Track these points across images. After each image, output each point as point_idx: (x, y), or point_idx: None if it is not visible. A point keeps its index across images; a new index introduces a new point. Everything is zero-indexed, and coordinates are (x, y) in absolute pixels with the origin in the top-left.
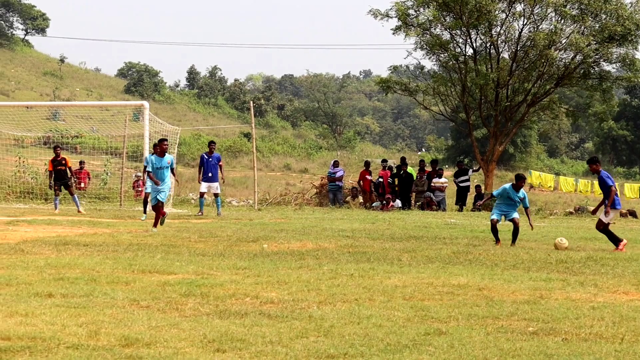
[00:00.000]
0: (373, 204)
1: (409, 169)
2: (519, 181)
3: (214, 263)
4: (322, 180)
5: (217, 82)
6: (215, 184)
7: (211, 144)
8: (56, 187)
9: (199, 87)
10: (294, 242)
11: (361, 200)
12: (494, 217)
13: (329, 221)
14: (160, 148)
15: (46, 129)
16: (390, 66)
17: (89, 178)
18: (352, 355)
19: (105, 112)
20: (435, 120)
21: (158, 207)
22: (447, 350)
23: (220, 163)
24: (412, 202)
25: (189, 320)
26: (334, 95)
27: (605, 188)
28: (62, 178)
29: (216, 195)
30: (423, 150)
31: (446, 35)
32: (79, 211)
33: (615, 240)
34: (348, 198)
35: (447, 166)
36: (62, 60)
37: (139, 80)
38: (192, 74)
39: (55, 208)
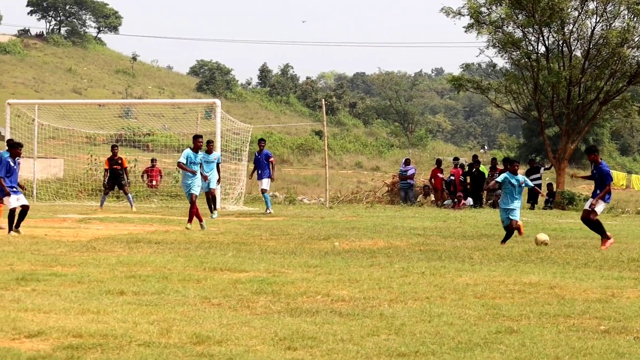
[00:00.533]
0: (444, 202)
1: (481, 167)
2: (511, 166)
3: (285, 261)
4: (393, 178)
5: (288, 80)
6: (265, 180)
7: (261, 141)
8: (108, 186)
9: (271, 85)
10: (366, 240)
11: (432, 199)
12: (505, 222)
13: (400, 219)
14: (194, 145)
15: (118, 127)
16: (462, 64)
17: (161, 176)
18: (423, 354)
19: (177, 110)
20: (507, 119)
21: (193, 203)
22: (519, 348)
23: (271, 159)
24: (484, 200)
25: (260, 318)
26: (405, 93)
27: (604, 181)
28: (116, 177)
29: (263, 191)
30: (485, 148)
31: (518, 33)
32: (131, 209)
33: (604, 233)
34: (420, 196)
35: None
36: (134, 58)
37: (211, 78)
38: (264, 72)
39: (101, 205)
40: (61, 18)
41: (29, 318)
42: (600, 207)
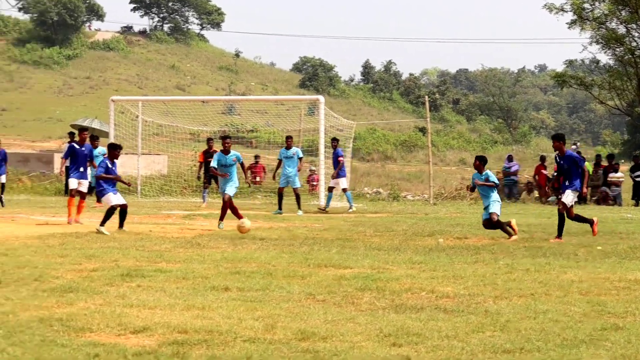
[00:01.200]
0: (549, 199)
1: (586, 164)
2: (475, 162)
3: (389, 257)
4: (497, 174)
5: (391, 77)
6: (342, 180)
7: (333, 141)
8: (205, 180)
9: (374, 81)
10: (470, 237)
11: (536, 195)
12: (484, 217)
13: (504, 216)
14: (223, 146)
15: (222, 123)
16: (566, 60)
17: (264, 172)
18: (528, 350)
19: (280, 106)
20: (611, 115)
21: (225, 203)
22: (624, 345)
23: (340, 158)
24: (588, 196)
25: (365, 314)
26: (508, 90)
27: (577, 169)
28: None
29: (344, 190)
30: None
31: (622, 29)
32: (202, 205)
33: (587, 220)
34: (523, 193)
35: (622, 161)
36: (237, 55)
37: (314, 75)
38: (366, 69)
39: (203, 201)
40: (164, 15)
41: (134, 314)
42: (570, 197)
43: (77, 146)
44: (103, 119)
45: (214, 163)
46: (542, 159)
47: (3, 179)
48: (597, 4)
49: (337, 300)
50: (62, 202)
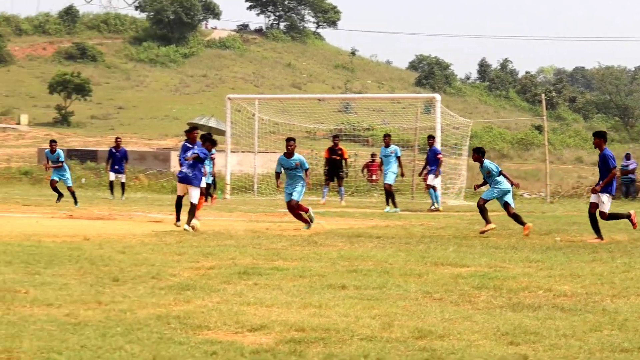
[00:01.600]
0: None
1: None
2: (474, 155)
3: (506, 256)
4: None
5: (508, 75)
6: (431, 176)
7: (429, 138)
8: (327, 177)
9: (490, 79)
10: (587, 235)
11: None
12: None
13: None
14: (287, 149)
15: (338, 122)
16: None
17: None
18: None
19: (396, 104)
20: None
21: (291, 206)
22: None
23: (440, 155)
24: None
25: (482, 312)
26: (625, 88)
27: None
28: (335, 168)
29: (428, 187)
30: None
31: None
32: (340, 202)
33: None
34: None
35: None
36: (353, 53)
37: (430, 73)
38: (482, 67)
39: (323, 198)
40: (280, 13)
41: (251, 312)
42: (605, 200)
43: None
44: (219, 117)
45: (277, 168)
46: None
47: (123, 178)
48: None
49: (454, 299)
50: None
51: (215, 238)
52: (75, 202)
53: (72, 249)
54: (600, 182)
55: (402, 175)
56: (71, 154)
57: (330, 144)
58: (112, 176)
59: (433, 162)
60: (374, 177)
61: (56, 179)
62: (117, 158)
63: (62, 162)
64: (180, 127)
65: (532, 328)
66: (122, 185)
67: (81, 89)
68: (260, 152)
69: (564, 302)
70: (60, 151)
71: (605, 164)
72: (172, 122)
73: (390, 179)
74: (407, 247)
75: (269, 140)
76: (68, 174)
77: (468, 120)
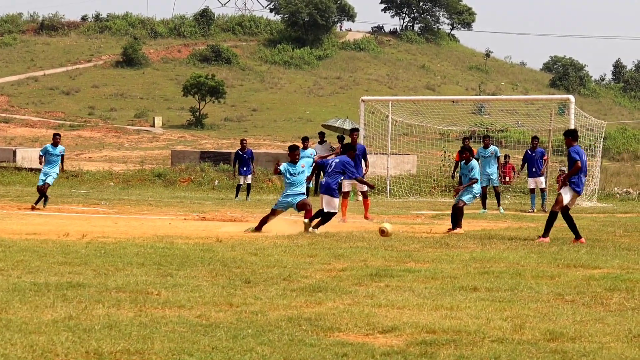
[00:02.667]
0: None
1: None
2: (462, 153)
3: (639, 258)
4: None
5: None
6: (540, 179)
7: (534, 139)
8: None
9: (625, 80)
10: None
11: None
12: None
13: None
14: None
15: (471, 123)
16: None
17: (514, 172)
18: None
19: (530, 106)
20: None
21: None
22: None
23: (546, 157)
24: None
25: (614, 314)
26: None
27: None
28: None
29: (533, 190)
30: None
31: None
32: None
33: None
34: None
35: None
36: (487, 55)
37: (564, 74)
38: (617, 68)
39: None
40: (415, 15)
41: (382, 314)
42: (567, 195)
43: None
44: (353, 118)
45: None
46: None
47: (249, 179)
48: None
49: (585, 301)
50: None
51: (347, 240)
52: (44, 202)
53: (204, 250)
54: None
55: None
56: (205, 156)
57: (460, 146)
58: (241, 179)
59: (540, 163)
60: (507, 179)
61: (48, 182)
62: (245, 160)
63: (62, 157)
64: (314, 129)
65: None
66: (248, 186)
67: (215, 91)
68: (393, 154)
69: None
70: (62, 147)
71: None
72: (306, 124)
73: (495, 180)
74: (539, 248)
75: (402, 141)
76: (56, 173)
77: (602, 121)
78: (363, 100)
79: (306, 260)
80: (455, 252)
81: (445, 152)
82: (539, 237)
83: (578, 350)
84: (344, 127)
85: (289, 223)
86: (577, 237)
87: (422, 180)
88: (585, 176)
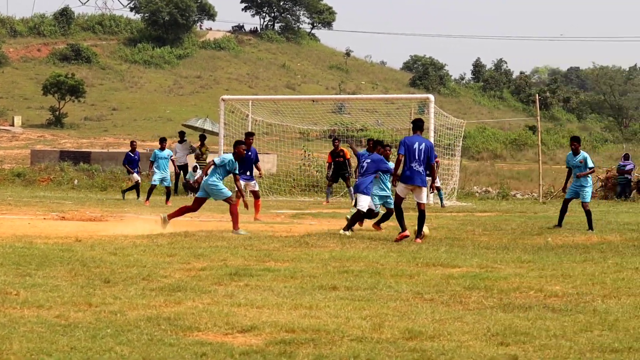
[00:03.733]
0: None
1: None
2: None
3: (497, 256)
4: (607, 173)
5: (502, 75)
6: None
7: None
8: (331, 179)
9: (484, 80)
10: (579, 236)
11: None
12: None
13: (613, 214)
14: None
15: (331, 122)
16: None
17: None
18: (637, 350)
19: (390, 105)
20: None
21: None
22: None
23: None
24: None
25: (473, 313)
26: (620, 88)
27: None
28: (339, 169)
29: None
30: None
31: None
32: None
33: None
34: (634, 192)
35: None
36: (347, 54)
37: (424, 74)
38: (477, 67)
39: (327, 199)
40: (275, 14)
41: (241, 313)
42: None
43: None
44: (213, 118)
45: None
46: None
47: (136, 177)
48: None
49: (444, 299)
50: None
51: (206, 239)
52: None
53: (64, 250)
54: None
55: None
56: (64, 155)
57: (330, 147)
58: (137, 177)
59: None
60: None
61: (167, 184)
62: (135, 161)
63: (171, 159)
64: (174, 128)
65: (523, 328)
66: (137, 186)
67: (75, 91)
68: None
69: (555, 303)
70: (169, 150)
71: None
72: (166, 123)
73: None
74: (399, 247)
75: (262, 141)
76: (168, 175)
77: (461, 120)
78: (223, 100)
79: (166, 259)
80: (315, 251)
81: (305, 152)
82: (400, 234)
83: (437, 349)
84: (204, 126)
85: (147, 222)
86: (403, 229)
87: (282, 179)
88: (416, 163)
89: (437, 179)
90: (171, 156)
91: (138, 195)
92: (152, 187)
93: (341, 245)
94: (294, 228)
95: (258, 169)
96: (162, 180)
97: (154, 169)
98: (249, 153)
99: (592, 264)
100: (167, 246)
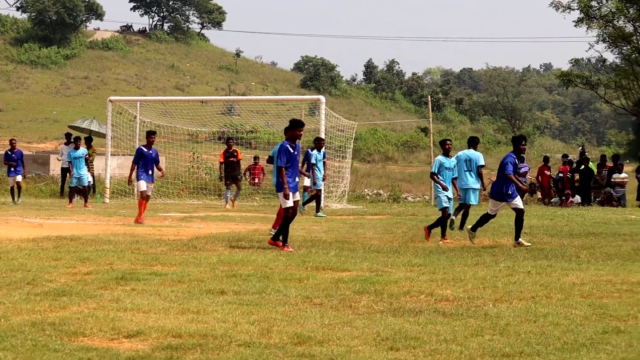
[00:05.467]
0: (552, 200)
1: (590, 164)
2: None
3: (388, 260)
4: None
5: (394, 76)
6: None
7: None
8: (228, 182)
9: (376, 81)
10: (465, 239)
11: (539, 196)
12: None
13: (506, 217)
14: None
15: (221, 124)
16: (572, 59)
17: (263, 173)
18: (528, 354)
19: (280, 106)
20: (617, 114)
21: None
22: (625, 349)
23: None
24: (592, 197)
25: (363, 318)
26: (513, 89)
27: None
28: (233, 170)
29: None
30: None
31: (629, 28)
32: (232, 204)
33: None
34: (526, 194)
35: (628, 161)
36: (237, 54)
37: (315, 75)
38: (369, 68)
39: (226, 202)
40: (164, 14)
41: (128, 318)
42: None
43: (145, 149)
44: (101, 119)
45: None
46: (546, 159)
47: (19, 179)
48: (604, 1)
49: (334, 304)
50: (57, 204)
51: (92, 243)
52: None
53: None
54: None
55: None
56: None
57: (221, 149)
58: (10, 181)
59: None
60: (256, 181)
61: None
62: (14, 160)
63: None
64: (60, 130)
65: (413, 333)
66: (18, 186)
67: None
68: None
69: (446, 307)
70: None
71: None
72: (53, 125)
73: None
74: (288, 251)
75: None
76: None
77: (353, 122)
78: (111, 101)
79: (51, 263)
80: (203, 255)
81: (194, 154)
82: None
83: (326, 354)
84: (91, 128)
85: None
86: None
87: (171, 182)
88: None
89: (309, 180)
90: (86, 154)
91: (13, 199)
92: (73, 190)
93: (230, 249)
94: (182, 231)
95: (159, 169)
96: (78, 179)
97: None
98: (151, 152)
99: (484, 268)
100: (52, 250)
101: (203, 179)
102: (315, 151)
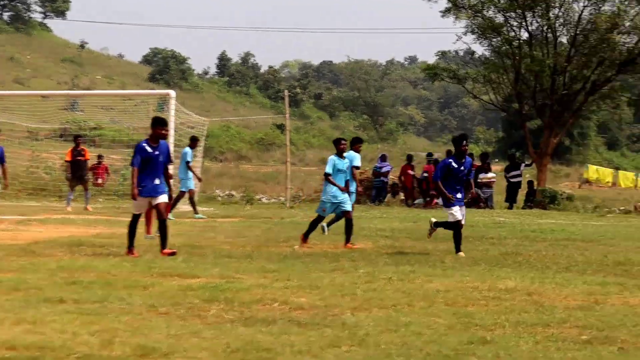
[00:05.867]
0: (415, 201)
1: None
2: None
3: (240, 266)
4: (361, 175)
5: (249, 70)
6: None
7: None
8: (73, 183)
9: (230, 74)
10: (328, 243)
11: (402, 197)
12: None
13: (366, 220)
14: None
15: (63, 121)
16: (438, 52)
17: (108, 173)
18: None
19: (127, 102)
20: (486, 110)
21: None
22: None
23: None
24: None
25: (212, 328)
26: (376, 84)
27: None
28: (79, 170)
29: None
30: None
31: (499, 18)
32: (85, 208)
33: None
34: (388, 195)
35: (497, 160)
36: (82, 46)
37: (165, 68)
38: (222, 61)
39: (68, 205)
40: (4, 2)
41: None
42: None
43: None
44: None
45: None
46: (409, 158)
47: None
48: None
49: (181, 313)
50: None
51: None
52: None
53: None
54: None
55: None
56: None
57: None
58: None
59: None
60: (99, 181)
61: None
62: None
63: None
64: None
65: (265, 344)
66: None
67: None
68: None
69: (301, 316)
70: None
71: None
72: None
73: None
74: (133, 256)
75: None
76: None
77: (204, 118)
78: None
79: None
80: (42, 261)
81: (33, 152)
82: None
83: None
84: None
85: None
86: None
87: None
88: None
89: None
90: None
91: None
92: None
93: (70, 254)
94: (19, 235)
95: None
96: None
97: None
98: None
99: (342, 274)
100: None
101: (43, 179)
102: (188, 148)
